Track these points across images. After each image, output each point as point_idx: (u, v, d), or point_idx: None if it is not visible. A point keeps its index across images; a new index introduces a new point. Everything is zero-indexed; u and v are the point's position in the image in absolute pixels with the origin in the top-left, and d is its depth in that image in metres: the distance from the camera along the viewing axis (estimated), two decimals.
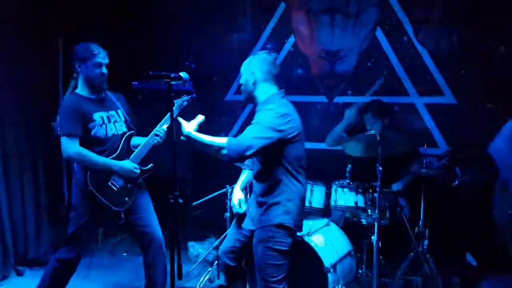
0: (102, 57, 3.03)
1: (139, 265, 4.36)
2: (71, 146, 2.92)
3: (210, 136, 2.69)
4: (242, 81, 2.86)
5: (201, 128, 2.74)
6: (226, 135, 2.82)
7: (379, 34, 4.83)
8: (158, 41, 5.21)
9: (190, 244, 4.73)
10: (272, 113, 2.65)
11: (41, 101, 4.45)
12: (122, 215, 3.08)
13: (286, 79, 5.13)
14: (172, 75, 2.51)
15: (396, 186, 4.08)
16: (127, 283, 4.10)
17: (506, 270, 3.26)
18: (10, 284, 4.04)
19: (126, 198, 3.05)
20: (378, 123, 4.10)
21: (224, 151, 2.60)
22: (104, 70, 3.05)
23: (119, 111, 3.18)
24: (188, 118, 2.76)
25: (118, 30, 5.05)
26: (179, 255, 2.41)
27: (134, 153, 3.11)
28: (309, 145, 4.69)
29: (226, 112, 5.39)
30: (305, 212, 3.66)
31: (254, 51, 4.97)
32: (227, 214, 4.14)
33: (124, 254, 4.70)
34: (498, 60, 4.31)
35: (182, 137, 2.68)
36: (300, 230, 2.86)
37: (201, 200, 4.39)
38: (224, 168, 4.39)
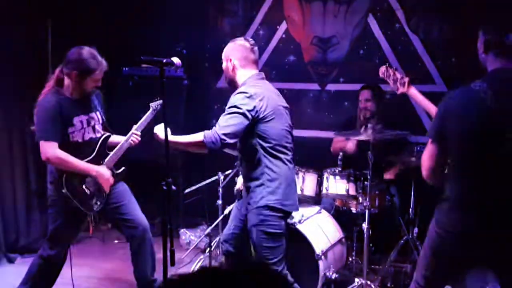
0: (102, 70, 2.95)
1: None
2: (50, 151, 2.86)
3: (185, 136, 2.71)
4: (223, 66, 2.91)
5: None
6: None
7: (371, 21, 4.82)
8: (149, 26, 5.14)
9: (182, 231, 4.73)
10: (240, 96, 2.68)
11: (30, 85, 4.37)
12: (92, 218, 3.12)
13: (278, 66, 5.10)
14: (164, 61, 2.48)
15: (389, 175, 4.11)
16: (119, 270, 4.10)
17: None
18: (1, 271, 4.02)
19: (98, 202, 3.02)
20: (373, 103, 4.15)
21: (203, 146, 2.62)
22: (99, 83, 2.98)
23: (98, 113, 3.11)
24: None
25: (108, 15, 4.98)
26: (171, 242, 2.42)
27: (108, 157, 3.05)
28: (301, 132, 4.77)
29: (218, 99, 5.33)
30: (297, 199, 3.71)
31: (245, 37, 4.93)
32: (219, 202, 4.14)
33: (116, 241, 4.69)
34: None
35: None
36: (294, 209, 2.85)
37: (193, 188, 4.38)
38: (216, 156, 4.39)
